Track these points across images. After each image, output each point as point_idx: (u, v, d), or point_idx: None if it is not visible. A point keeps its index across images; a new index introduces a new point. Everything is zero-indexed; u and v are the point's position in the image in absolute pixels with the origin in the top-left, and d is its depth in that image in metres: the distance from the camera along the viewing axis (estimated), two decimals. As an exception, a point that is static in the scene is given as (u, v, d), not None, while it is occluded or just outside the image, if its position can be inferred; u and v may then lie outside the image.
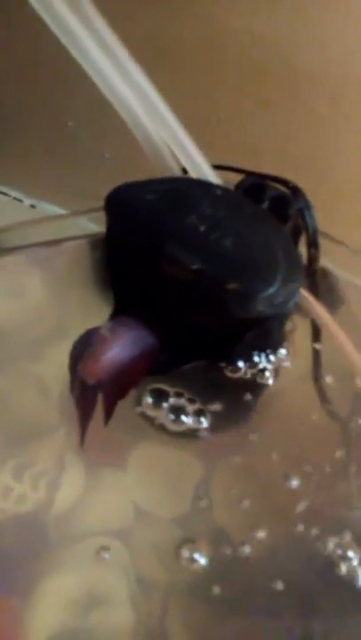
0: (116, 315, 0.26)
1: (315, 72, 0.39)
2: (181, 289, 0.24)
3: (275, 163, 0.33)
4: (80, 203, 0.59)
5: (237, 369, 0.27)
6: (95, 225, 0.32)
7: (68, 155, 0.55)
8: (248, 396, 0.27)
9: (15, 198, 0.60)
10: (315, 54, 0.39)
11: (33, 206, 0.59)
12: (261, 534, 0.23)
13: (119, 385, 0.24)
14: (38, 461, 0.25)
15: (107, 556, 0.23)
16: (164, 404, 0.26)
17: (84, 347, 0.24)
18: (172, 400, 0.26)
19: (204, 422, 0.26)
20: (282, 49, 0.39)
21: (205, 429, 0.26)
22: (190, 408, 0.26)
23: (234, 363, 0.27)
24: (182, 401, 0.26)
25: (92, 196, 0.56)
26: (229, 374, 0.27)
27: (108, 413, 0.24)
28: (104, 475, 0.25)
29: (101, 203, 0.27)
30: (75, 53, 0.26)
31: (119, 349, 0.24)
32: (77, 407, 0.24)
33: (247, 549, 0.23)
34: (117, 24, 0.26)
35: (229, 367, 0.27)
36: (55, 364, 0.28)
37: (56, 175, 0.57)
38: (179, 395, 0.26)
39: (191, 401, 0.26)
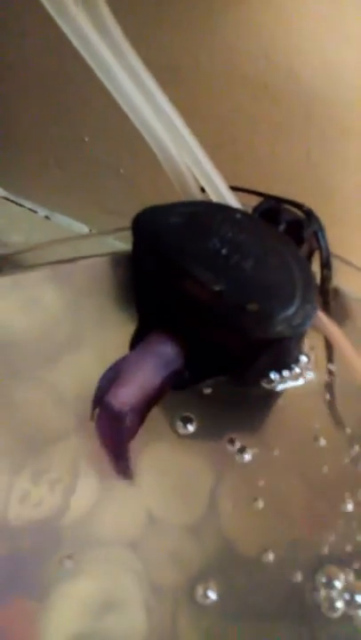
0: (140, 332, 0.27)
1: (328, 97, 0.41)
2: (203, 309, 0.25)
3: (287, 185, 0.34)
4: (94, 215, 0.60)
5: (271, 380, 0.28)
6: (119, 242, 0.33)
7: (84, 168, 0.56)
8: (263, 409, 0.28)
9: (30, 209, 0.61)
10: (328, 80, 0.40)
11: (47, 217, 0.60)
12: (271, 540, 0.24)
13: (147, 407, 0.25)
14: (54, 467, 0.26)
15: (120, 561, 0.23)
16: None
17: (113, 376, 0.25)
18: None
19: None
20: (296, 75, 0.41)
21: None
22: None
23: (251, 380, 0.28)
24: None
25: (107, 210, 0.57)
26: (265, 385, 0.28)
27: (132, 434, 0.25)
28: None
29: (118, 218, 0.28)
30: (99, 73, 0.27)
31: (148, 374, 0.25)
32: (106, 441, 0.24)
33: (258, 555, 0.24)
34: (134, 47, 0.27)
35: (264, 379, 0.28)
36: (69, 374, 0.29)
37: (71, 188, 0.58)
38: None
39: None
